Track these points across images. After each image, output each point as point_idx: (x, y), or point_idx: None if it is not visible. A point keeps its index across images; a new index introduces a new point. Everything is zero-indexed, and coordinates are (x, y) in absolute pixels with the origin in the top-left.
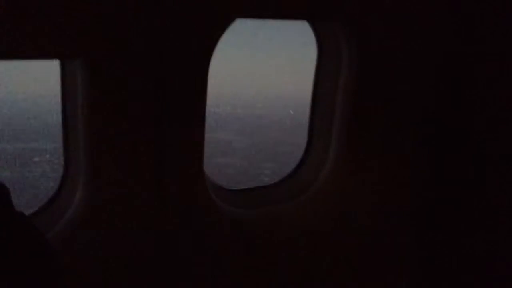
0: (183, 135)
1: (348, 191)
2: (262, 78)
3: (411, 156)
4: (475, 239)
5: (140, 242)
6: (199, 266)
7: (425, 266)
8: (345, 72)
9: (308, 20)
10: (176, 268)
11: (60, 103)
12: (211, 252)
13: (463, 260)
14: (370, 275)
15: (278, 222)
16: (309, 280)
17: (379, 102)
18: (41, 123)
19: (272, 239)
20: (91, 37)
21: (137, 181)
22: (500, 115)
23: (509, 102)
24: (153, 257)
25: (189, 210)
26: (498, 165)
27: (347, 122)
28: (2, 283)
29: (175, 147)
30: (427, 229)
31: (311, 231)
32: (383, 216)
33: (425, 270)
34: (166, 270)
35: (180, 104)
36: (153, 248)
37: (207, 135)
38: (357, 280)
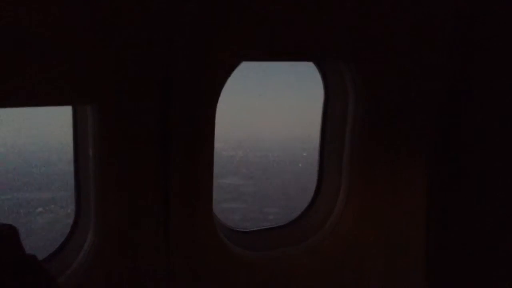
0: (192, 177)
1: (358, 232)
2: (276, 119)
3: (422, 194)
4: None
5: (150, 284)
6: None
7: None
8: (352, 110)
9: (314, 61)
10: None
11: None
12: None
13: None
14: None
15: (288, 264)
16: None
17: (387, 139)
18: (46, 172)
19: (282, 281)
20: (102, 83)
21: (146, 225)
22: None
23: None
24: None
25: (198, 252)
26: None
27: (356, 161)
28: None
29: (184, 190)
30: (439, 270)
31: (320, 273)
32: (395, 257)
33: None
34: None
35: (188, 147)
36: None
37: (217, 180)
38: None
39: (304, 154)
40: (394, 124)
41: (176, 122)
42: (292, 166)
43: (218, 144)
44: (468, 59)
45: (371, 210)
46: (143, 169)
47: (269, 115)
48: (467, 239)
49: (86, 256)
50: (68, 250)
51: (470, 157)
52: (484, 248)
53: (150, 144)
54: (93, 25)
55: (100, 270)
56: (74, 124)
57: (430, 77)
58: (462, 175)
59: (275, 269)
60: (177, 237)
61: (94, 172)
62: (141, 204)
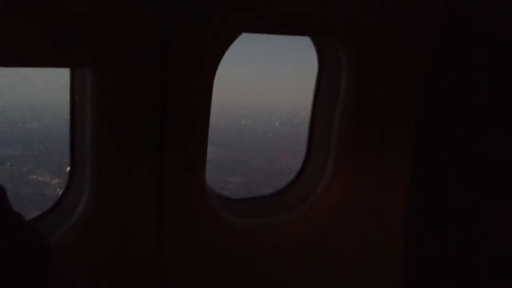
0: (185, 146)
1: (344, 204)
2: (254, 91)
3: (406, 169)
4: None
5: (141, 249)
6: (200, 274)
7: (419, 268)
8: (345, 85)
9: (310, 36)
10: (176, 276)
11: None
12: (212, 261)
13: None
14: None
15: (276, 232)
16: None
17: (376, 116)
18: (5, 129)
19: (270, 247)
20: (102, 48)
21: (140, 191)
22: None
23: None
24: (154, 265)
25: (190, 219)
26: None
27: (346, 134)
28: None
29: (177, 158)
30: (424, 237)
31: (307, 241)
32: (380, 227)
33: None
34: (166, 277)
35: (183, 116)
36: (154, 256)
37: None
38: None
39: (277, 124)
40: (384, 101)
41: (172, 92)
42: (262, 135)
43: None
44: (459, 43)
45: (357, 184)
46: (138, 135)
47: (249, 84)
48: (448, 216)
49: (79, 217)
50: (61, 210)
51: (454, 134)
52: (465, 226)
53: (146, 111)
54: None
55: (92, 232)
56: (71, 86)
57: (422, 51)
58: (445, 152)
59: (264, 235)
60: (170, 203)
61: (91, 135)
62: (135, 169)
